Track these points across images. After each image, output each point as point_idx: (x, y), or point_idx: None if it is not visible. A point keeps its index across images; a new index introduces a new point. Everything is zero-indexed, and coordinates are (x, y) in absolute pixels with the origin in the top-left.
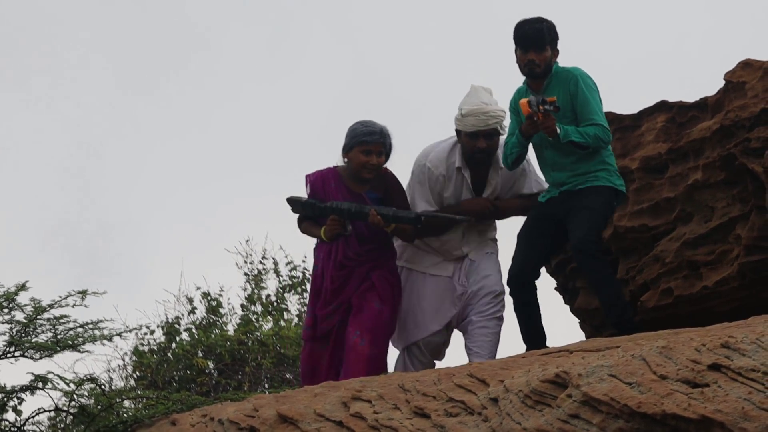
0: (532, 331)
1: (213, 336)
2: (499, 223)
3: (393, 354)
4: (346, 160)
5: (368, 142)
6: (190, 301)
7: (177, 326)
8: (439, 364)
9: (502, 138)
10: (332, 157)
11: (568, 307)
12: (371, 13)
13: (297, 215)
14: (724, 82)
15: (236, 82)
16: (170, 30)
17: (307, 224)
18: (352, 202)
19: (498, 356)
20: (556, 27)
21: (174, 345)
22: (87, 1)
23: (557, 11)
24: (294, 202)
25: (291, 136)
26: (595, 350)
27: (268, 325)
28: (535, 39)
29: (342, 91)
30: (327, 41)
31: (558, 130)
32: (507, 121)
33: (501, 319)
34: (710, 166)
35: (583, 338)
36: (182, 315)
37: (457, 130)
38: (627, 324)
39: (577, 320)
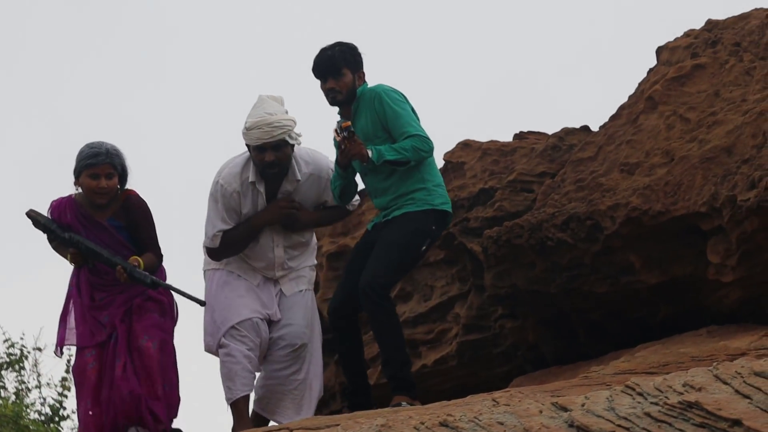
0: (354, 366)
1: None
2: None
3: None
4: (78, 188)
5: (94, 165)
6: None
7: None
8: None
9: (303, 149)
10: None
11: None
12: None
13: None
14: (443, 161)
15: None
16: None
17: (57, 243)
18: (94, 244)
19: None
20: (356, 49)
21: None
22: None
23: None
24: (35, 221)
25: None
26: (315, 428)
27: None
28: (328, 66)
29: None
30: None
31: (369, 153)
32: (298, 130)
33: (299, 376)
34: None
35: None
36: None
37: (246, 144)
38: (403, 381)
39: None
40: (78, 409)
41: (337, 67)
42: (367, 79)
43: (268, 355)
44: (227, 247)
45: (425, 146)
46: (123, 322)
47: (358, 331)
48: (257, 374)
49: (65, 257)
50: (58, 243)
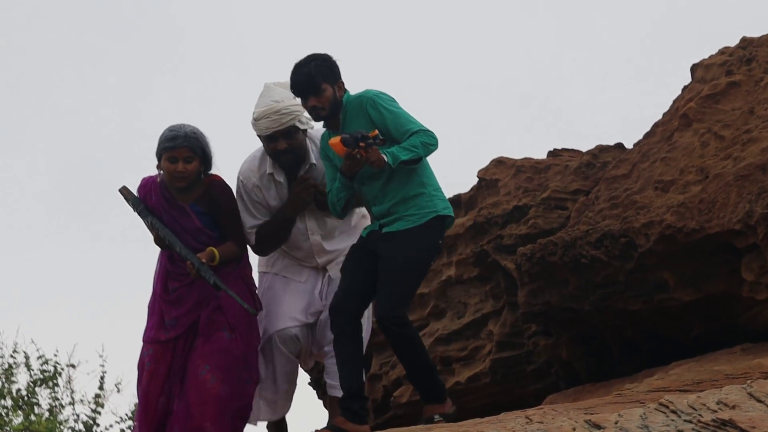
0: (349, 369)
1: None
2: None
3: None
4: (159, 171)
5: (172, 148)
6: None
7: None
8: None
9: (317, 131)
10: None
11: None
12: None
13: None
14: (477, 179)
15: None
16: None
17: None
18: (171, 233)
19: None
20: (331, 59)
21: None
22: None
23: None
24: (126, 197)
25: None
26: None
27: (18, 420)
28: (306, 84)
29: None
30: None
31: (385, 158)
32: (307, 114)
33: None
34: (463, 262)
35: None
36: None
37: (258, 136)
38: (433, 388)
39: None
40: (136, 413)
41: (316, 84)
42: (374, 83)
43: (323, 344)
44: (264, 241)
45: (432, 140)
46: (187, 337)
47: (357, 332)
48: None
49: (155, 242)
50: (148, 224)
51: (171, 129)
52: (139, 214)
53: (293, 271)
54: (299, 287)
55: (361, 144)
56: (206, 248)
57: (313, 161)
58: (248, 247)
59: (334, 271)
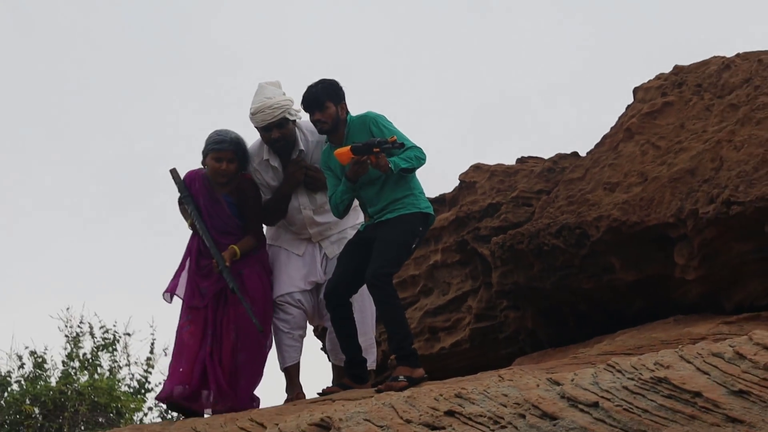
0: (349, 342)
1: (39, 387)
2: None
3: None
4: (205, 166)
5: (219, 149)
6: (20, 358)
7: (8, 379)
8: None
9: (305, 122)
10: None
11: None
12: None
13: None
14: (459, 181)
15: None
16: None
17: (182, 207)
18: (206, 229)
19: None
20: (338, 83)
21: (5, 394)
22: None
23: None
24: (174, 178)
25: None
26: (353, 399)
27: (84, 378)
28: (313, 101)
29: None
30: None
31: (390, 165)
32: (296, 107)
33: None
34: (447, 249)
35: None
36: (12, 370)
37: (257, 128)
38: (407, 351)
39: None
40: (170, 363)
41: (321, 101)
42: (384, 98)
43: (324, 314)
44: (269, 214)
45: (423, 155)
46: (218, 302)
47: (350, 313)
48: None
49: (185, 219)
50: (183, 208)
51: (219, 133)
52: (182, 197)
53: (293, 244)
54: (298, 260)
55: (376, 150)
56: (232, 232)
57: (302, 148)
58: (261, 239)
59: (330, 250)
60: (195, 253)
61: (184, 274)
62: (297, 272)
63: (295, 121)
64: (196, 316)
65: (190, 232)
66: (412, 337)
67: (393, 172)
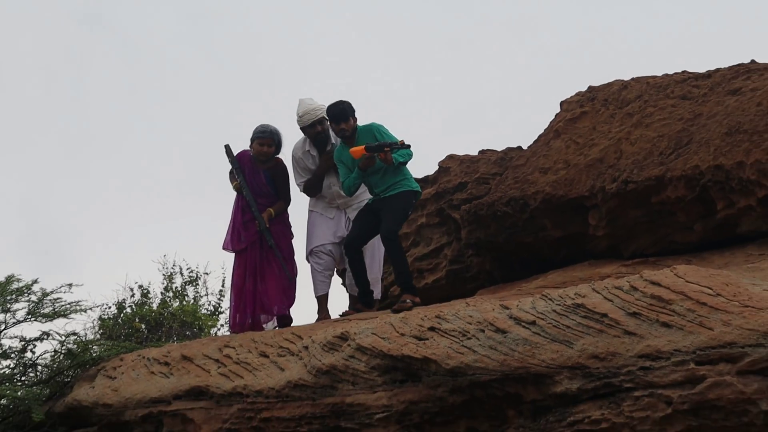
0: (362, 280)
1: (144, 310)
2: None
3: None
4: (251, 148)
5: (263, 137)
6: (131, 290)
7: (123, 304)
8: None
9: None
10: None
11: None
12: None
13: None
14: (438, 166)
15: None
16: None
17: (231, 176)
18: (252, 196)
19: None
20: (351, 103)
21: (122, 315)
22: None
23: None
24: (228, 153)
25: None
26: (364, 319)
27: (176, 304)
28: (340, 114)
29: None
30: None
31: (393, 159)
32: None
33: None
34: (430, 214)
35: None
36: (126, 298)
37: (302, 128)
38: (409, 284)
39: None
40: (231, 297)
41: (346, 115)
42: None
43: (344, 259)
44: (309, 188)
45: (411, 153)
46: (257, 248)
47: (362, 258)
48: (333, 278)
49: (232, 185)
50: (232, 176)
51: (263, 126)
52: (234, 169)
53: (326, 210)
54: (330, 221)
55: (387, 149)
56: (267, 201)
57: (333, 142)
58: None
59: (352, 215)
60: (239, 210)
61: (232, 228)
62: (329, 230)
63: (328, 120)
64: (240, 259)
65: (235, 195)
66: (411, 274)
67: (394, 164)
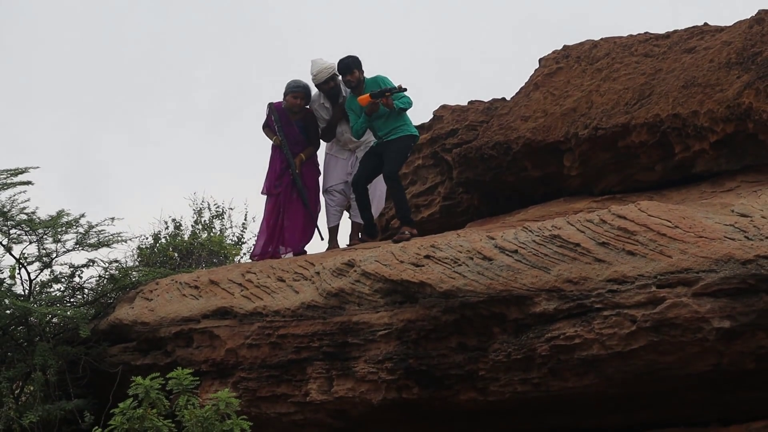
0: (366, 214)
1: (177, 240)
2: None
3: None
4: (284, 101)
5: (296, 91)
6: (165, 222)
7: (158, 235)
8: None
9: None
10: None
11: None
12: None
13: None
14: (432, 115)
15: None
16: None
17: (269, 130)
18: (288, 148)
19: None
20: (358, 57)
21: (157, 244)
22: None
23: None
24: (270, 110)
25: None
26: (369, 248)
27: (204, 235)
28: (346, 67)
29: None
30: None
31: (394, 104)
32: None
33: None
34: (426, 157)
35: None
36: (161, 230)
37: (316, 85)
38: (408, 218)
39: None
40: (260, 228)
41: (352, 68)
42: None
43: (351, 195)
44: (325, 134)
45: (411, 101)
46: (287, 191)
47: (367, 194)
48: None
49: (270, 138)
50: (267, 131)
51: (296, 81)
52: (276, 126)
53: (340, 152)
54: (343, 162)
55: (387, 94)
56: (300, 147)
57: (344, 94)
58: (318, 147)
59: (361, 155)
60: (278, 160)
61: (270, 175)
62: (342, 170)
63: (338, 76)
64: (274, 200)
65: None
66: (410, 209)
67: (395, 109)
